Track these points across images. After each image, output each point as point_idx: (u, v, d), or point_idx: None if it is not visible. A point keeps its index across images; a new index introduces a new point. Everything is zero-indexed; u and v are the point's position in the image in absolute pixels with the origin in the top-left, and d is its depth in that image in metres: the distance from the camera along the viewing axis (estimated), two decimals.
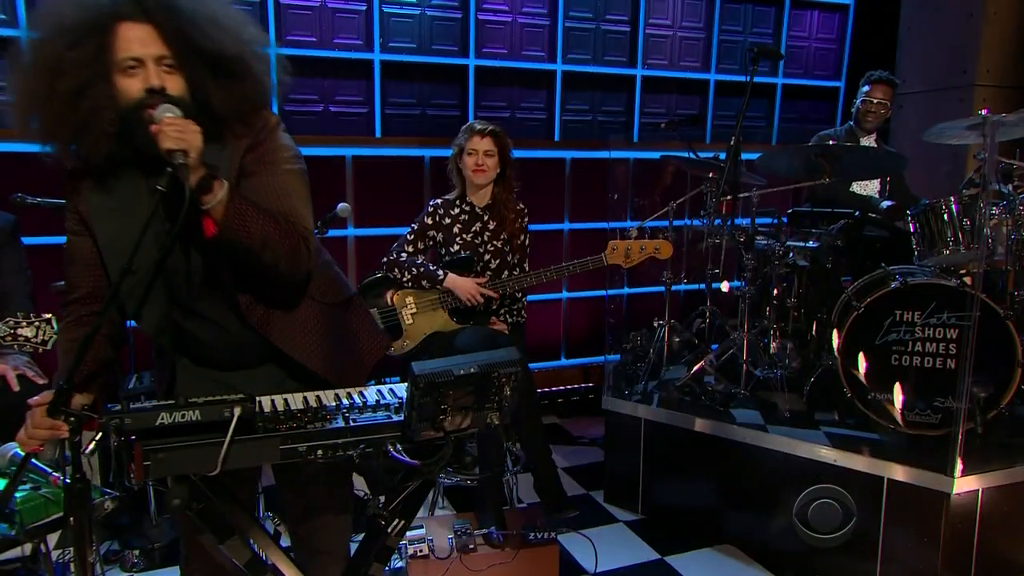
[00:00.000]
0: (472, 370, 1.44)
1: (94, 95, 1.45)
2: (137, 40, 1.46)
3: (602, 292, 4.54)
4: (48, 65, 1.44)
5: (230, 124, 1.57)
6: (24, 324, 2.33)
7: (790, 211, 3.71)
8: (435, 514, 3.05)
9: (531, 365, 3.97)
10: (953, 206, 2.86)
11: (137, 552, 2.80)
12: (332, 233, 3.44)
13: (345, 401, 1.58)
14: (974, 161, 3.94)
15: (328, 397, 1.61)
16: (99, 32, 1.45)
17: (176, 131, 1.38)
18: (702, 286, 3.61)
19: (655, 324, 3.51)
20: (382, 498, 1.60)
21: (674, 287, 3.52)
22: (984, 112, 2.68)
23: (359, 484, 3.24)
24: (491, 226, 3.09)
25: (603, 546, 2.86)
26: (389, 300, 3.00)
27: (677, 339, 3.57)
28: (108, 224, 1.58)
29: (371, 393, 1.65)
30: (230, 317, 1.65)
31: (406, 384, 1.56)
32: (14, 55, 1.51)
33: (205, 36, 1.50)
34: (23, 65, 1.48)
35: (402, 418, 1.50)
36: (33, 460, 2.06)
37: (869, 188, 3.89)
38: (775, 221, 3.55)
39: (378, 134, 4.09)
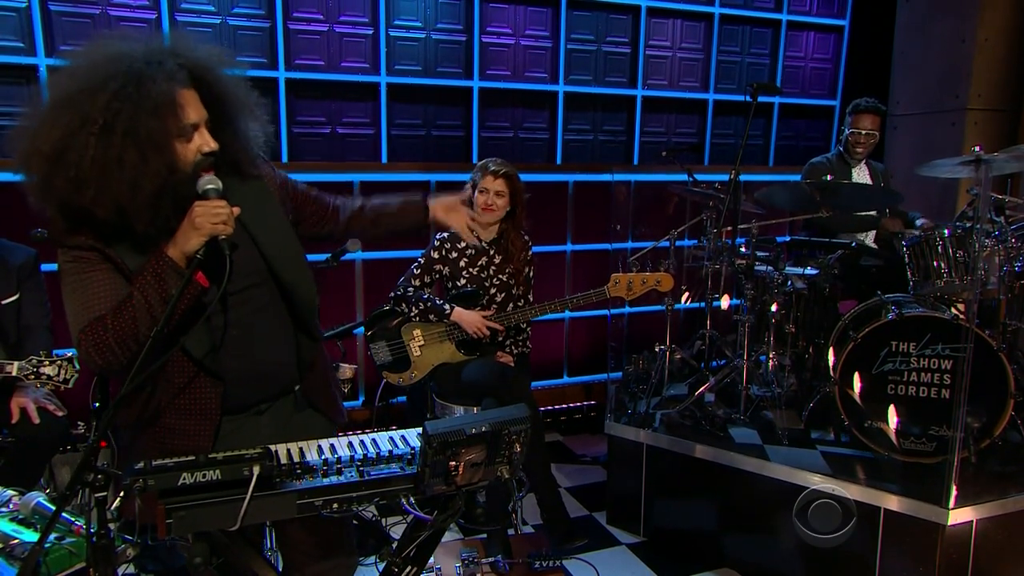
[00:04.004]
0: (484, 429, 1.50)
1: (170, 163, 1.48)
2: (191, 106, 1.51)
3: (604, 312, 4.59)
4: (132, 137, 1.41)
5: (244, 167, 1.70)
6: (47, 363, 2.42)
7: (788, 239, 3.77)
8: (442, 539, 3.11)
9: (534, 384, 4.03)
10: (947, 238, 2.92)
11: None
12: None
13: (359, 451, 1.63)
14: (966, 182, 4.00)
15: (342, 446, 1.67)
16: (175, 102, 1.47)
17: (221, 217, 1.50)
18: (702, 304, 3.67)
19: (656, 349, 3.57)
20: (394, 545, 1.67)
21: (675, 306, 3.59)
22: (977, 149, 2.73)
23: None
24: (496, 260, 3.14)
25: (605, 570, 2.93)
26: (397, 331, 3.07)
27: (679, 356, 3.64)
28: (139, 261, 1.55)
29: (384, 442, 1.71)
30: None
31: (418, 432, 1.63)
32: (63, 109, 1.42)
33: (232, 98, 1.61)
34: (74, 123, 1.40)
35: (415, 471, 1.56)
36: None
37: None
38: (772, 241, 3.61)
39: (384, 155, 4.15)
